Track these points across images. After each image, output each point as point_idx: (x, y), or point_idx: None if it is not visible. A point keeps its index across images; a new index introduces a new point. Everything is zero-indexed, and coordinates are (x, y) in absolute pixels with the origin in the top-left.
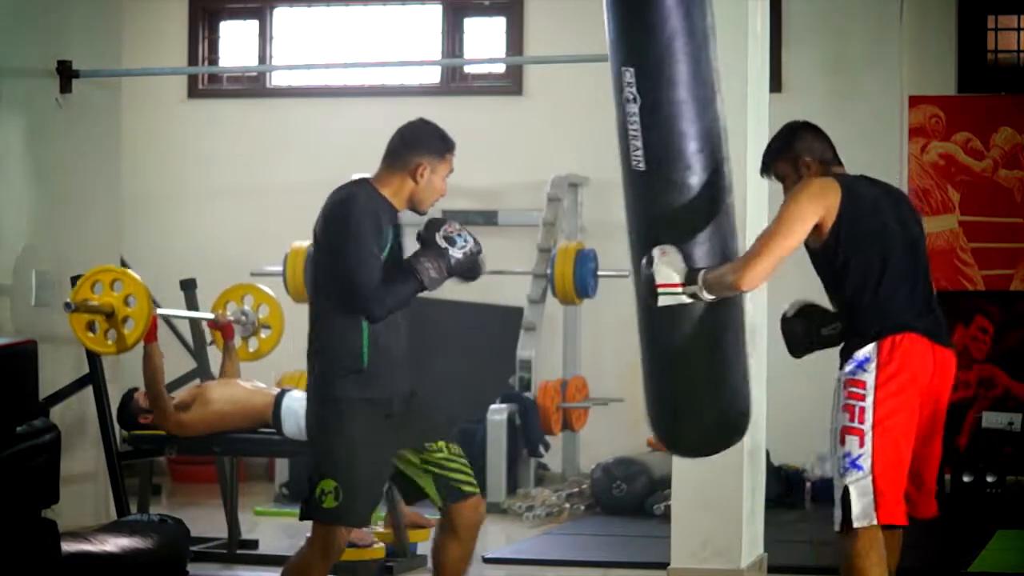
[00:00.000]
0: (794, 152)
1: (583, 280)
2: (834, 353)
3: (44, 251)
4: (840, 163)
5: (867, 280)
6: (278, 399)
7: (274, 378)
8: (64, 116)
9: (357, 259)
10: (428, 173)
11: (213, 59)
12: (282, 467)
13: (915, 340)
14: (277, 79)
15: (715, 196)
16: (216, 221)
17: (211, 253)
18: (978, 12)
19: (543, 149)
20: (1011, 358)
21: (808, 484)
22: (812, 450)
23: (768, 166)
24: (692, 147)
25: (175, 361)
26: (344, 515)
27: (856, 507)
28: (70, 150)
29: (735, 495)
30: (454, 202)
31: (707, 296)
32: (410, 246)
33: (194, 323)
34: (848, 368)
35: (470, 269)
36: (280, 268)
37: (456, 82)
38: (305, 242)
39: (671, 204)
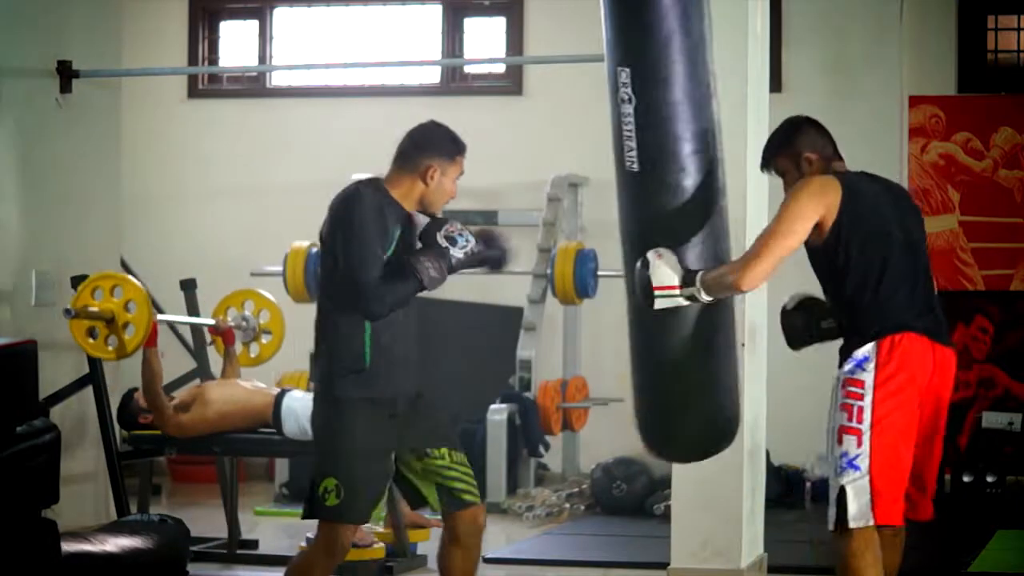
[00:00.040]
0: (795, 147)
1: (583, 280)
2: (835, 353)
3: (44, 251)
4: (841, 158)
5: (867, 279)
6: (278, 399)
7: (274, 378)
8: (64, 116)
9: (359, 256)
10: (438, 175)
11: (213, 59)
12: (282, 467)
13: (914, 340)
14: (277, 79)
15: (709, 198)
16: (216, 221)
17: (211, 253)
18: (978, 12)
19: (543, 149)
20: (1011, 358)
21: (808, 484)
22: (812, 450)
23: (768, 161)
24: (687, 148)
25: (175, 361)
26: (345, 513)
27: (852, 507)
28: (70, 150)
29: (735, 495)
30: (454, 202)
31: (705, 297)
32: None
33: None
34: (847, 367)
35: (494, 260)
36: (280, 268)
37: (456, 82)
38: (305, 242)
39: (665, 206)
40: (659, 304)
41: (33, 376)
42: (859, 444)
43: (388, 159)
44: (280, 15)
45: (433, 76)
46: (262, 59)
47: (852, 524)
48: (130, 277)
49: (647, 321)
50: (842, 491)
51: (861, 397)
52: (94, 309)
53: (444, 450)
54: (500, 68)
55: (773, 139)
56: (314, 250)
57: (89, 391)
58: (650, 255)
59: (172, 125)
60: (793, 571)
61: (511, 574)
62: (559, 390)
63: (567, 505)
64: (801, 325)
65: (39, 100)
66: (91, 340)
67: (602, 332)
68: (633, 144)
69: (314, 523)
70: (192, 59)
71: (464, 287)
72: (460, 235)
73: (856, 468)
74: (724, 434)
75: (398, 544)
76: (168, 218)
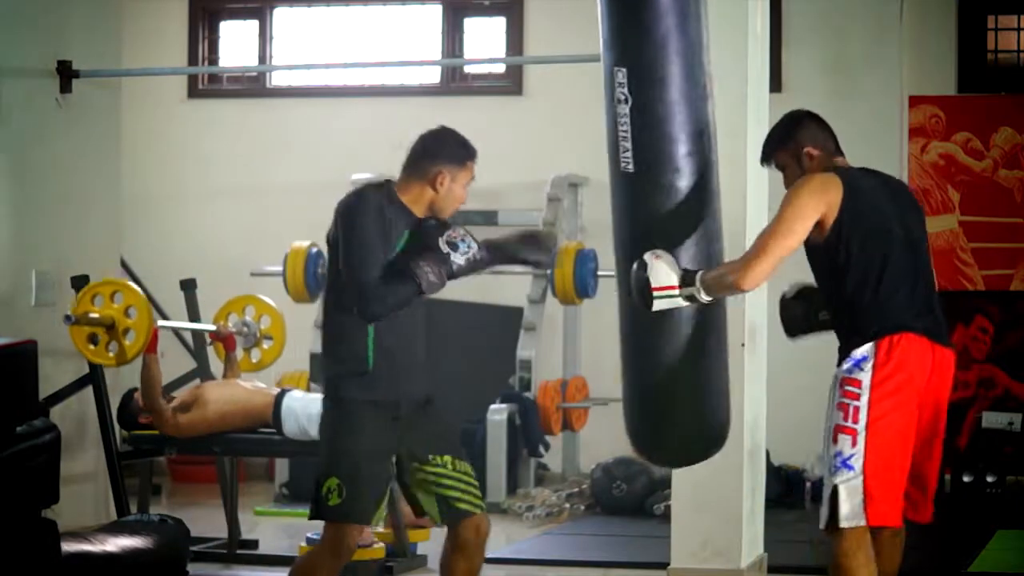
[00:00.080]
0: (795, 142)
1: (583, 280)
2: (835, 352)
3: (44, 251)
4: (842, 154)
5: (868, 277)
6: (278, 399)
7: (274, 378)
8: (64, 116)
9: (359, 257)
10: (448, 181)
11: (213, 59)
12: (282, 467)
13: (913, 340)
14: (277, 79)
15: (703, 200)
16: (216, 221)
17: (211, 253)
18: (978, 12)
19: (543, 149)
20: (1011, 358)
21: (808, 484)
22: (812, 450)
23: (768, 156)
24: (682, 150)
25: (175, 361)
26: (348, 513)
27: (844, 507)
28: (70, 150)
29: (735, 495)
30: None
31: (704, 298)
32: None
33: (194, 322)
34: (845, 366)
35: (536, 263)
36: (280, 268)
37: (456, 82)
38: (305, 242)
39: (659, 207)
40: (658, 305)
41: (33, 376)
42: (854, 444)
43: (388, 159)
44: (280, 15)
45: (433, 76)
46: (262, 59)
47: (843, 524)
48: (130, 283)
49: (639, 324)
50: (835, 491)
51: (857, 397)
52: (94, 315)
53: (447, 458)
54: (500, 68)
55: (773, 133)
56: (314, 250)
57: (89, 391)
58: (647, 256)
59: (172, 125)
60: (793, 571)
61: (511, 574)
62: (559, 390)
63: (567, 505)
64: (800, 314)
65: (39, 100)
66: (92, 346)
67: (602, 332)
68: (629, 145)
69: (314, 523)
70: (192, 59)
71: (464, 287)
72: (462, 241)
73: (850, 468)
74: (715, 439)
75: (398, 544)
76: (168, 218)
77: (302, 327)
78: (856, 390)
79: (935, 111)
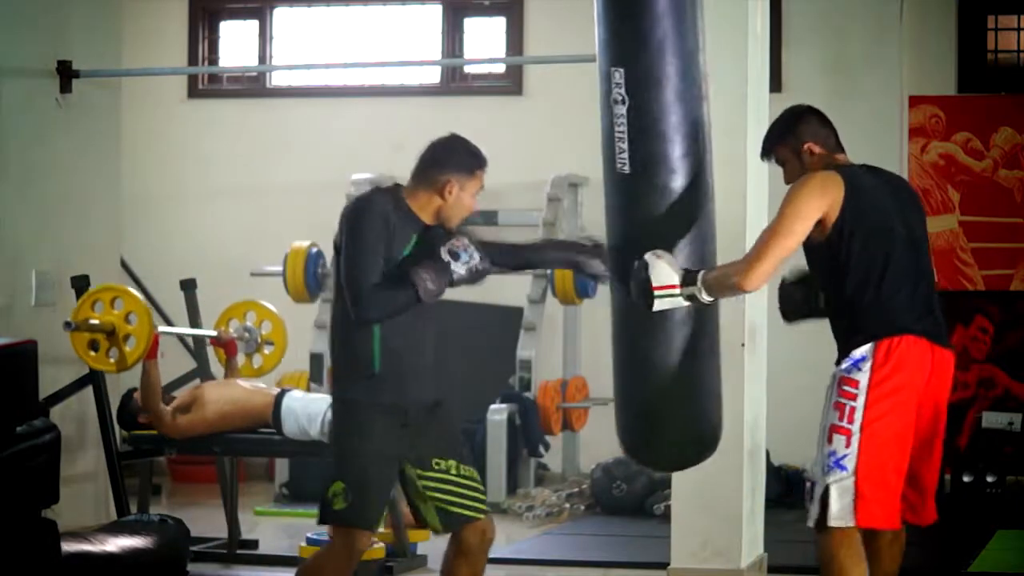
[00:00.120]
0: (796, 137)
1: (583, 280)
2: (836, 352)
3: (44, 251)
4: (843, 150)
5: (870, 277)
6: (278, 399)
7: (274, 378)
8: (64, 116)
9: (358, 261)
10: (456, 190)
11: (213, 59)
12: (282, 467)
13: (913, 343)
14: (277, 79)
15: (698, 201)
16: (216, 221)
17: (211, 253)
18: (978, 12)
19: (543, 149)
20: (1011, 358)
21: (808, 484)
22: (812, 450)
23: (768, 151)
24: (678, 151)
25: (175, 361)
26: (353, 517)
27: (834, 507)
28: (70, 150)
29: (735, 495)
30: None
31: (706, 298)
32: None
33: (194, 323)
34: (844, 366)
35: (595, 275)
36: (280, 268)
37: (456, 82)
38: (305, 242)
39: (655, 208)
40: (659, 305)
41: (33, 376)
42: (848, 444)
43: (388, 159)
44: (280, 15)
45: (433, 76)
46: (262, 59)
47: (831, 523)
48: (131, 289)
49: (631, 327)
50: (827, 490)
51: (854, 397)
52: (95, 321)
53: (451, 462)
54: (500, 68)
55: (774, 128)
56: (314, 250)
57: (89, 391)
58: (648, 256)
59: (172, 125)
60: (793, 571)
61: (511, 574)
62: (559, 390)
63: (567, 505)
64: (800, 298)
65: (39, 100)
66: (92, 353)
67: (602, 332)
68: (625, 146)
69: (314, 523)
70: (192, 59)
71: (464, 287)
72: (464, 251)
73: (843, 468)
74: (708, 443)
75: (398, 544)
76: (168, 218)
77: (302, 327)
78: (853, 390)
79: (935, 111)
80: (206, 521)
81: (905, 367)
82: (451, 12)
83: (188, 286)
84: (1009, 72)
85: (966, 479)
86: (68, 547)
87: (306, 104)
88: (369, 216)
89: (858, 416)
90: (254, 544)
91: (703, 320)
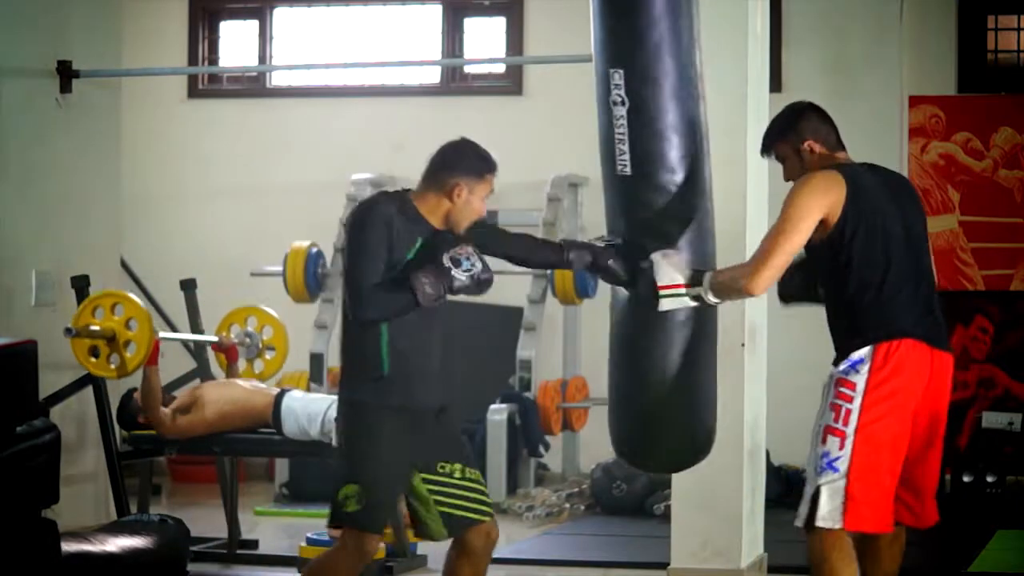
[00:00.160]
0: (796, 134)
1: (583, 280)
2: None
3: (44, 251)
4: (843, 148)
5: (870, 278)
6: (278, 399)
7: (274, 378)
8: (64, 116)
9: (359, 262)
10: (465, 194)
11: (213, 59)
12: (282, 467)
13: (912, 346)
14: (277, 79)
15: (699, 201)
16: (216, 221)
17: (211, 253)
18: (978, 12)
19: (543, 149)
20: (1011, 358)
21: None
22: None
23: (769, 147)
24: (679, 151)
25: (175, 361)
26: (365, 520)
27: (823, 508)
28: (70, 150)
29: (735, 495)
30: None
31: (712, 299)
32: None
33: (194, 323)
34: (842, 367)
35: (614, 275)
36: (280, 268)
37: (456, 82)
38: (305, 242)
39: (656, 209)
40: (664, 305)
41: (33, 376)
42: (841, 447)
43: (388, 159)
44: (280, 15)
45: (433, 76)
46: (262, 59)
47: (819, 523)
48: (131, 295)
49: (628, 331)
50: (817, 490)
51: (850, 399)
52: (95, 328)
53: (456, 465)
54: (500, 68)
55: (775, 124)
56: (314, 250)
57: (89, 391)
58: (655, 255)
59: (172, 125)
60: (793, 571)
61: (511, 574)
62: (559, 390)
63: (567, 505)
64: (800, 282)
65: (39, 100)
66: (93, 359)
67: (602, 332)
68: (625, 147)
69: (315, 523)
70: (192, 59)
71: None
72: (467, 259)
73: (835, 470)
74: (702, 445)
75: (398, 544)
76: (168, 218)
77: (302, 327)
78: (850, 392)
79: (935, 111)
80: (206, 521)
81: (903, 371)
82: (451, 12)
83: (188, 286)
84: (1009, 72)
85: (966, 479)
86: (68, 547)
87: (306, 104)
88: (371, 219)
89: (853, 419)
90: (254, 544)
91: (702, 324)
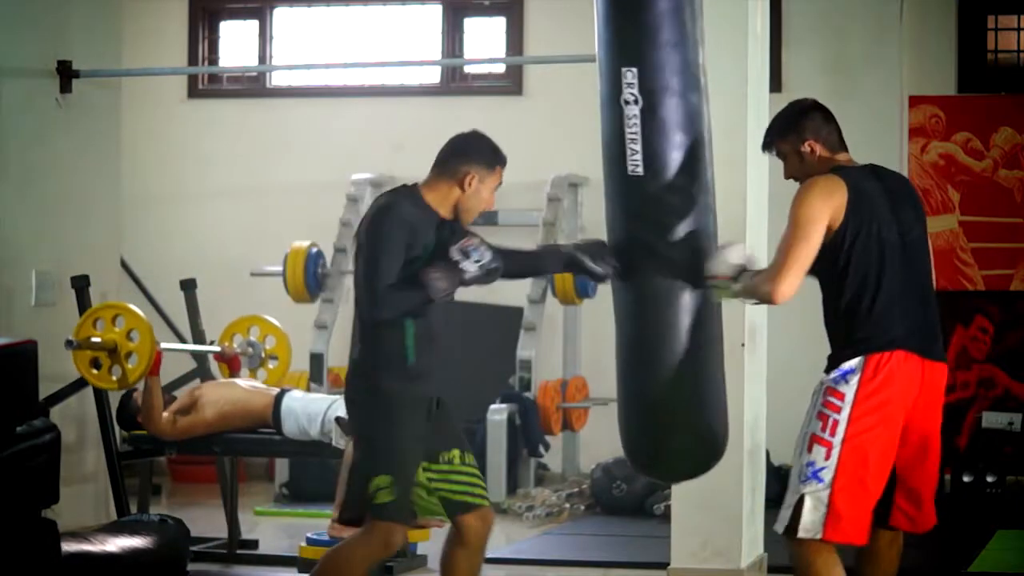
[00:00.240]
0: (798, 134)
1: (583, 280)
2: None
3: (44, 251)
4: (845, 148)
5: (865, 287)
6: (278, 399)
7: None
8: (64, 116)
9: (378, 262)
10: (476, 183)
11: (213, 59)
12: (282, 467)
13: (904, 358)
14: (277, 79)
15: (707, 199)
16: (216, 221)
17: (211, 253)
18: (978, 12)
19: (543, 149)
20: (1011, 358)
21: None
22: None
23: (770, 144)
24: (690, 150)
25: (175, 361)
26: (398, 511)
27: (806, 518)
28: (70, 150)
29: (735, 495)
30: None
31: (742, 297)
32: None
33: (194, 323)
34: (832, 375)
35: (598, 276)
36: (280, 268)
37: (456, 82)
38: (305, 242)
39: (670, 208)
40: (715, 295)
41: (33, 376)
42: (827, 457)
43: (388, 159)
44: (280, 15)
45: (433, 76)
46: (262, 59)
47: (801, 534)
48: (132, 307)
49: (636, 337)
50: (801, 499)
51: (839, 410)
52: (96, 339)
53: (455, 452)
54: (500, 68)
55: (776, 122)
56: (314, 250)
57: (89, 391)
58: (722, 246)
59: (172, 125)
60: (793, 571)
61: (511, 574)
62: (559, 390)
63: (567, 505)
64: None
65: (39, 100)
66: (95, 371)
67: (602, 332)
68: (638, 147)
69: (315, 523)
70: (192, 59)
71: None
72: (475, 250)
73: (819, 480)
74: (715, 451)
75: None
76: (168, 218)
77: (302, 327)
78: (838, 403)
79: (935, 111)
80: (206, 521)
81: (893, 383)
82: (451, 12)
83: (188, 286)
84: (1009, 72)
85: (966, 479)
86: (68, 547)
87: (306, 104)
88: (392, 221)
89: (840, 429)
90: (254, 544)
91: (708, 328)
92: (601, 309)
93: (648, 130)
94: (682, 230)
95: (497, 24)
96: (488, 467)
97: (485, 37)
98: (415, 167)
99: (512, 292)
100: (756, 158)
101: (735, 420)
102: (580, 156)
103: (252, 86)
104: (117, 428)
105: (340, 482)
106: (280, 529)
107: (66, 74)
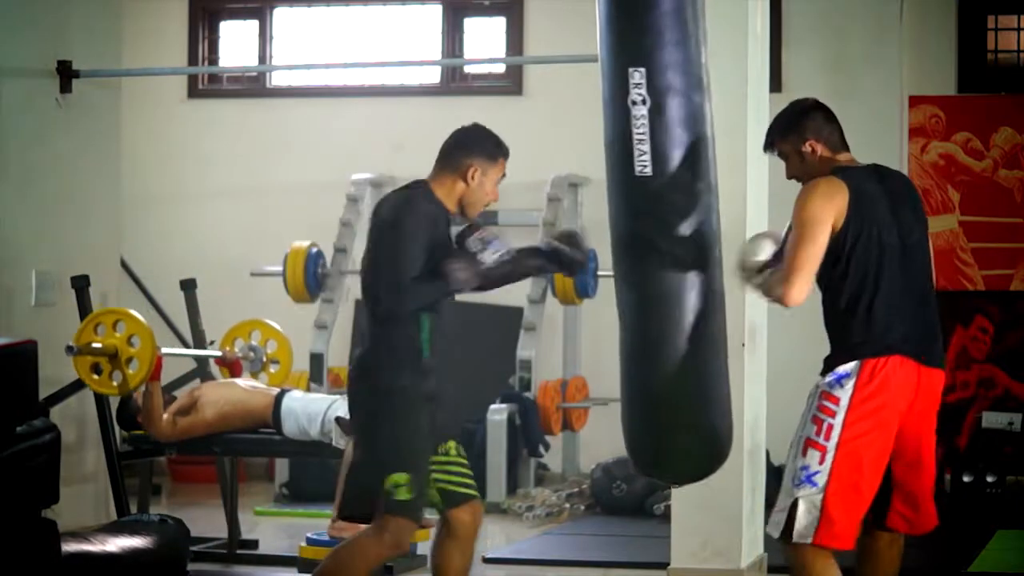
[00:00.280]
0: (799, 134)
1: (583, 280)
2: None
3: (44, 251)
4: (846, 148)
5: (864, 290)
6: (278, 399)
7: None
8: (64, 116)
9: (401, 254)
10: (479, 175)
11: (213, 59)
12: (282, 467)
13: (900, 363)
14: (277, 79)
15: (712, 199)
16: (216, 221)
17: (211, 253)
18: (978, 12)
19: (543, 149)
20: (1011, 358)
21: None
22: None
23: (771, 144)
24: (697, 150)
25: (175, 361)
26: (415, 508)
27: (800, 522)
28: (70, 150)
29: (735, 495)
30: None
31: (761, 293)
32: None
33: (194, 324)
34: (827, 379)
35: (569, 263)
36: (280, 268)
37: (456, 82)
38: (305, 242)
39: (676, 209)
40: (744, 286)
41: (33, 376)
42: (821, 461)
43: (388, 159)
44: (280, 15)
45: (433, 76)
46: (262, 59)
47: (795, 539)
48: (133, 312)
49: (641, 337)
50: (795, 503)
51: (833, 414)
52: (97, 345)
53: (451, 443)
54: (500, 68)
55: (778, 122)
56: (314, 250)
57: (89, 391)
58: (754, 235)
59: (172, 125)
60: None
61: (511, 574)
62: (559, 390)
63: (567, 505)
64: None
65: (39, 100)
66: (95, 376)
67: (602, 332)
68: (646, 147)
69: (315, 523)
70: (192, 59)
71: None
72: (491, 241)
73: (813, 484)
74: (717, 453)
75: None
76: (168, 218)
77: (302, 327)
78: (833, 407)
79: (935, 111)
80: (206, 521)
81: (888, 388)
82: (451, 12)
83: (188, 286)
84: (1009, 72)
85: (966, 479)
86: (68, 547)
87: (306, 104)
88: (414, 214)
89: (835, 434)
90: (254, 544)
91: (713, 330)
92: (601, 309)
93: (656, 130)
94: (688, 229)
95: (497, 24)
96: (488, 467)
97: (485, 37)
98: (415, 167)
99: (512, 292)
100: (756, 158)
101: (735, 420)
102: (580, 156)
103: (252, 86)
104: (117, 428)
105: (340, 482)
106: (280, 529)
107: (66, 74)
